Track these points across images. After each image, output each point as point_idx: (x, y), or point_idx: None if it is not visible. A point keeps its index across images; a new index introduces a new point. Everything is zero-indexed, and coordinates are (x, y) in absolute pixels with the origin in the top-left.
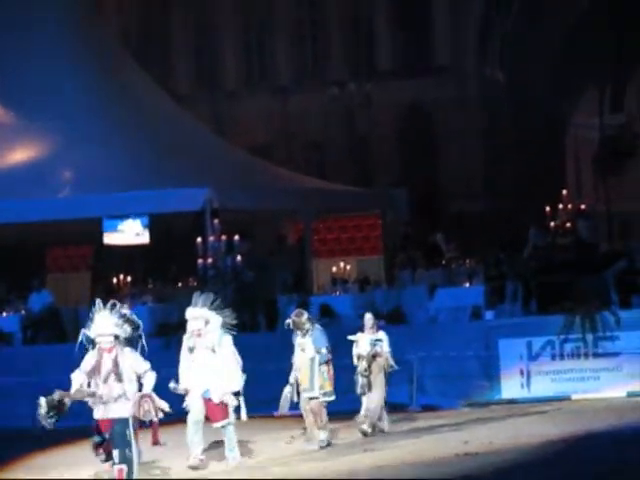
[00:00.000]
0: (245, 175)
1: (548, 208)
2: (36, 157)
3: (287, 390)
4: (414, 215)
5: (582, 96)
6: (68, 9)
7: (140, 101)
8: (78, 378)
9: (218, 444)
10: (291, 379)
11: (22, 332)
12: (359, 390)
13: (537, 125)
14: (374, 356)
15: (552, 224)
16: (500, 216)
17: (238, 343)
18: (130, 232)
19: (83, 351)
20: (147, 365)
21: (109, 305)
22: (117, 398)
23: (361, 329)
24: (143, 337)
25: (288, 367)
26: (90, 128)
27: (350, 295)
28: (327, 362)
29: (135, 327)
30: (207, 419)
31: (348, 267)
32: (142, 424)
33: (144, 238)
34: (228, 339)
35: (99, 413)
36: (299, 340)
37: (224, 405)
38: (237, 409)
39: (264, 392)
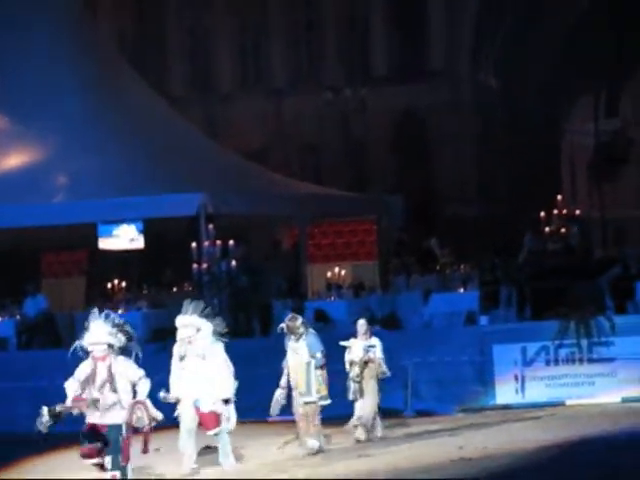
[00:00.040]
0: (240, 180)
1: (543, 213)
2: (30, 162)
3: (278, 393)
4: (409, 220)
5: (577, 102)
6: (63, 13)
7: (135, 106)
8: (72, 387)
9: (213, 450)
10: (282, 382)
11: (17, 337)
12: (351, 396)
13: (531, 130)
14: (366, 362)
15: (546, 229)
16: (494, 221)
17: (233, 348)
18: (125, 237)
19: (77, 358)
20: (141, 372)
21: (103, 314)
22: (112, 406)
23: (354, 335)
24: (137, 346)
25: (280, 371)
26: (85, 133)
27: (345, 300)
28: (322, 366)
29: (129, 337)
30: (200, 426)
31: (343, 272)
32: (134, 430)
33: (139, 243)
34: (219, 346)
35: (93, 419)
36: (292, 344)
37: (216, 413)
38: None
39: (258, 397)
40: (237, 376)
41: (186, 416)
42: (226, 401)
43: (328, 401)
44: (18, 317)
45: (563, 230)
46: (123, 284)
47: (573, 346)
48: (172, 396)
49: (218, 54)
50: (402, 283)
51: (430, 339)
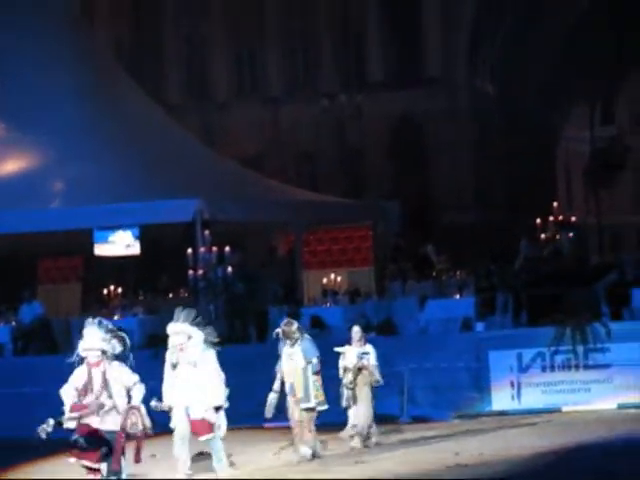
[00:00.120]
0: (236, 186)
1: (539, 220)
2: (27, 168)
3: (272, 397)
4: (405, 227)
5: (573, 108)
6: (60, 21)
7: (132, 113)
8: (68, 394)
9: (207, 456)
10: (275, 387)
11: (13, 343)
12: (344, 403)
13: (528, 137)
14: (360, 369)
15: (542, 236)
16: (491, 228)
17: (229, 354)
18: (121, 243)
19: (73, 364)
20: (135, 377)
21: (96, 320)
22: (108, 411)
23: (349, 341)
24: (130, 354)
25: (274, 376)
26: (82, 140)
27: (341, 306)
28: (317, 372)
29: (123, 343)
30: (192, 433)
31: (339, 278)
32: (127, 437)
33: (135, 249)
34: (211, 354)
35: (93, 424)
36: (287, 350)
37: (207, 420)
38: None
39: (254, 403)
40: (233, 382)
41: (179, 423)
42: (217, 408)
43: (326, 406)
44: (14, 323)
45: (558, 237)
46: (119, 290)
47: (569, 352)
48: (165, 404)
49: (215, 62)
50: (398, 289)
51: (426, 345)
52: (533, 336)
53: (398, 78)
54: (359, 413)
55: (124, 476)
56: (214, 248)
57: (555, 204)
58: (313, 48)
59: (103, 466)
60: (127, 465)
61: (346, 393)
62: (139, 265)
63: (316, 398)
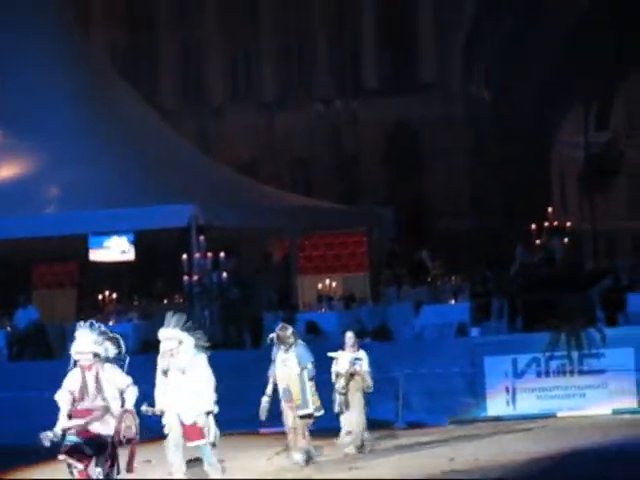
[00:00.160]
0: (231, 192)
1: (534, 226)
2: (22, 174)
3: (264, 400)
4: (400, 232)
5: (568, 113)
6: (56, 27)
7: (126, 118)
8: (64, 399)
9: (201, 461)
10: (268, 391)
11: (8, 348)
12: (337, 408)
13: (523, 143)
14: (352, 375)
15: (537, 242)
16: (487, 234)
17: (223, 360)
18: (116, 249)
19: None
20: (129, 380)
21: (88, 323)
22: (103, 414)
23: (342, 347)
24: (127, 356)
25: (266, 380)
26: (76, 145)
27: (336, 312)
28: (311, 378)
29: (117, 345)
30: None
31: (334, 284)
32: (120, 441)
33: (130, 255)
34: (202, 358)
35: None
36: (282, 355)
37: (198, 426)
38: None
39: (249, 409)
40: (228, 388)
41: (172, 429)
42: (207, 413)
43: (322, 412)
44: (9, 328)
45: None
46: (114, 295)
47: (564, 358)
48: (157, 409)
49: (209, 67)
50: (393, 295)
51: (421, 351)
52: (528, 342)
53: (393, 84)
54: (352, 419)
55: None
56: (209, 254)
57: (550, 210)
58: (308, 54)
59: (98, 470)
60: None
61: (338, 399)
62: (134, 270)
63: (313, 404)
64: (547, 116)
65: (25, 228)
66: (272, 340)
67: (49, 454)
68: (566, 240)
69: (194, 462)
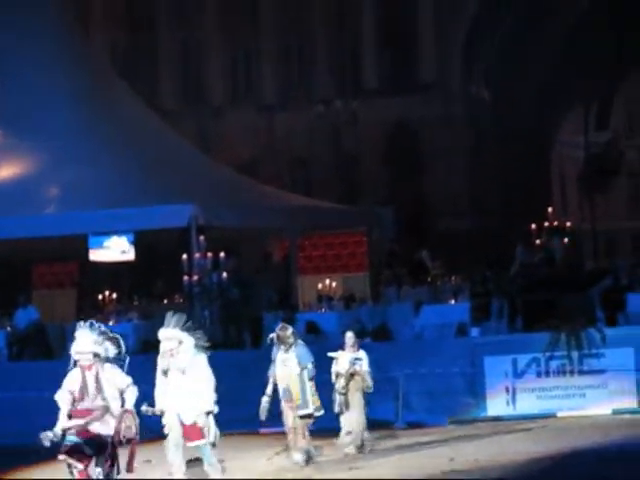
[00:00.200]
0: (231, 192)
1: (534, 226)
2: (22, 174)
3: (264, 400)
4: (400, 232)
5: (568, 113)
6: (56, 27)
7: (126, 118)
8: (65, 399)
9: (202, 462)
10: (268, 390)
11: (8, 348)
12: (337, 408)
13: (523, 143)
14: (352, 375)
15: (537, 242)
16: (487, 234)
17: (223, 360)
18: (116, 249)
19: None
20: (129, 380)
21: (88, 323)
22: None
23: (342, 347)
24: (127, 356)
25: (266, 380)
26: (76, 145)
27: (336, 312)
28: (311, 378)
29: (118, 345)
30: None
31: (334, 284)
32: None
33: (130, 255)
34: (202, 358)
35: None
36: (281, 355)
37: (198, 426)
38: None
39: (249, 409)
40: (228, 388)
41: (172, 429)
42: (207, 413)
43: (322, 412)
44: (9, 328)
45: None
46: (114, 295)
47: (564, 358)
48: (157, 409)
49: (209, 68)
50: (393, 295)
51: (421, 351)
52: (528, 342)
53: (393, 84)
54: (352, 419)
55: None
56: (209, 254)
57: (550, 210)
58: (308, 54)
59: (98, 470)
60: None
61: (338, 399)
62: (134, 270)
63: (313, 404)
64: (547, 116)
65: (25, 228)
66: (272, 340)
67: (49, 454)
68: (566, 240)
69: (194, 462)
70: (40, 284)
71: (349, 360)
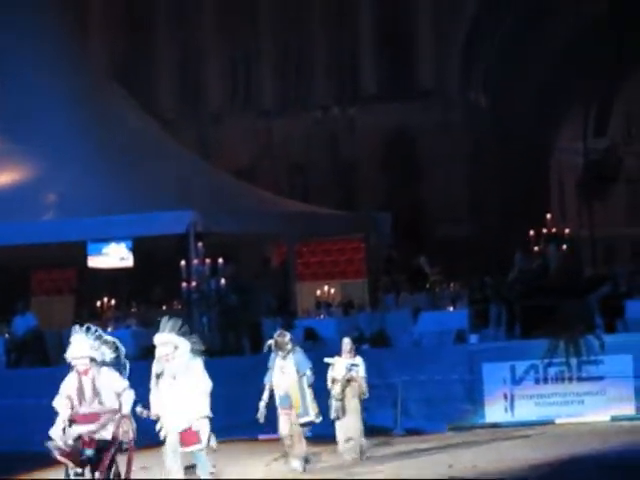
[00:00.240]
0: (229, 198)
1: (532, 232)
2: (20, 180)
3: (262, 405)
4: (399, 239)
5: (566, 120)
6: (53, 33)
7: (125, 125)
8: (63, 405)
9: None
10: (264, 396)
11: (6, 355)
12: (333, 414)
13: (521, 149)
14: (349, 380)
15: (536, 248)
16: (485, 240)
17: (222, 366)
18: (114, 255)
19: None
20: (125, 383)
21: (84, 327)
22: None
23: (340, 353)
24: (126, 361)
25: (263, 387)
26: (75, 151)
27: (334, 319)
28: (310, 384)
29: (115, 349)
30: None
31: (332, 290)
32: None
33: (128, 261)
34: (198, 363)
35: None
36: (280, 362)
37: (194, 430)
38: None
39: (248, 415)
40: (227, 394)
41: (169, 435)
42: (203, 418)
43: (321, 418)
44: (7, 335)
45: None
46: (112, 302)
47: (562, 365)
48: (152, 413)
49: (208, 75)
50: (391, 301)
51: (419, 357)
52: (526, 348)
53: (391, 91)
54: (349, 425)
55: None
56: (207, 260)
57: (549, 216)
58: (306, 60)
59: (96, 474)
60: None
61: (334, 404)
62: (132, 277)
63: (313, 411)
64: (546, 122)
65: (23, 235)
66: (270, 347)
67: (47, 461)
68: (564, 247)
69: (193, 469)
70: (38, 291)
71: (345, 366)
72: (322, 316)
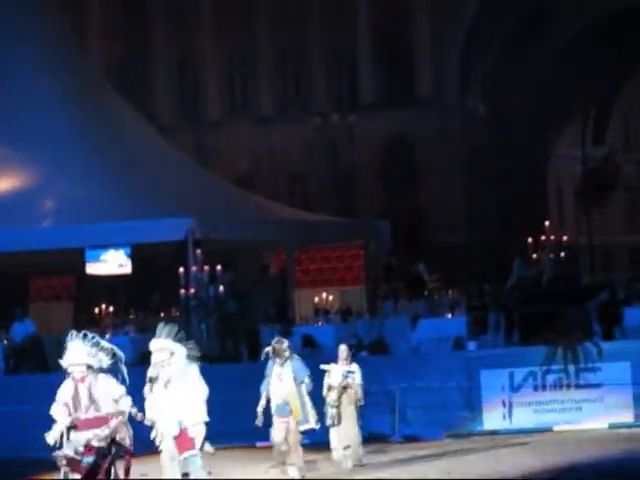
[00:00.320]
0: (228, 205)
1: (530, 240)
2: (19, 187)
3: (259, 411)
4: (397, 246)
5: (564, 128)
6: (52, 39)
7: (123, 132)
8: (60, 412)
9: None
10: (262, 402)
11: (4, 362)
12: (329, 421)
13: (519, 157)
14: (345, 387)
15: (534, 256)
16: (483, 248)
17: (220, 373)
18: (113, 262)
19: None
20: (122, 389)
21: (81, 334)
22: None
23: (336, 360)
24: (124, 367)
25: (260, 395)
26: (73, 158)
27: (332, 326)
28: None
29: (112, 355)
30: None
31: (330, 297)
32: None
33: (126, 268)
34: (194, 369)
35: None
36: (277, 369)
37: (189, 436)
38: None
39: (246, 422)
40: (225, 401)
41: (165, 442)
42: (199, 424)
43: (319, 425)
44: (6, 342)
45: (551, 256)
46: (111, 309)
47: (560, 372)
48: (147, 419)
49: (206, 83)
50: (390, 308)
51: (418, 364)
52: (525, 355)
53: (390, 98)
54: (347, 432)
55: None
56: (206, 267)
57: (547, 223)
58: (305, 68)
59: None
60: None
61: (330, 411)
62: (131, 284)
63: (313, 418)
64: (544, 128)
65: (22, 241)
66: (267, 354)
67: (46, 467)
68: (562, 254)
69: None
70: (37, 297)
71: (342, 373)
72: (320, 323)
